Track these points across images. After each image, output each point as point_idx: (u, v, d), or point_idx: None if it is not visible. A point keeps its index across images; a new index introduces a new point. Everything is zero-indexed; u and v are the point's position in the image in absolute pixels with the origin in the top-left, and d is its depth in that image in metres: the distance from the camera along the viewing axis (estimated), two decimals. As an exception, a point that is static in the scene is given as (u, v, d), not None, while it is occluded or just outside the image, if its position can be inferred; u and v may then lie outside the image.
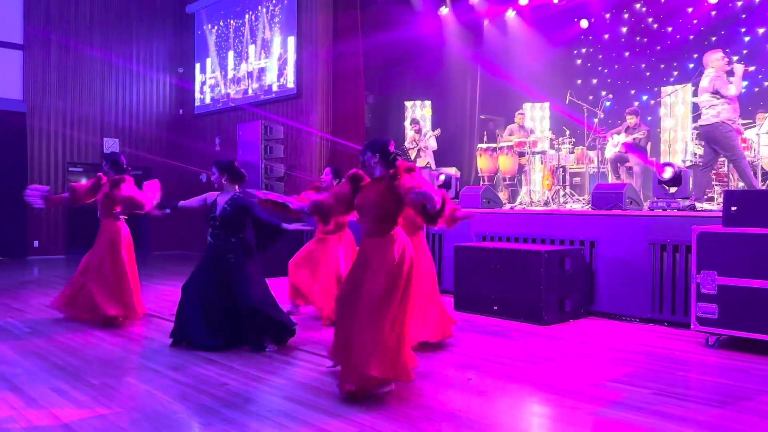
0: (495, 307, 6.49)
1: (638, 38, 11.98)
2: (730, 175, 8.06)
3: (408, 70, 13.22)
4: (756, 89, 10.64)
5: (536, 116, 12.19)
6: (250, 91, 13.78)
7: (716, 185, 8.15)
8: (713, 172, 8.36)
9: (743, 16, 10.69)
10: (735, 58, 10.67)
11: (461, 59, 12.97)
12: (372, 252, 3.98)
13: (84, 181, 14.59)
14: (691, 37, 11.18)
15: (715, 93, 7.05)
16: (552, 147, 10.63)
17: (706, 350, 5.15)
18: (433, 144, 11.57)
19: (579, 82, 12.51)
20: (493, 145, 11.15)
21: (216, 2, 14.80)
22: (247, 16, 13.96)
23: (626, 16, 12.09)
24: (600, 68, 12.52)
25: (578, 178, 10.31)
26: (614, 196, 7.09)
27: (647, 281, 6.32)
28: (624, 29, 12.14)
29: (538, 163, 10.76)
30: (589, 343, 5.45)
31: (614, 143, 9.47)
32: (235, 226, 5.25)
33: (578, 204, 9.18)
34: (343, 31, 11.88)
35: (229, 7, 14.48)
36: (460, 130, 13.09)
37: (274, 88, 13.09)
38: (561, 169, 9.87)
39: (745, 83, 10.62)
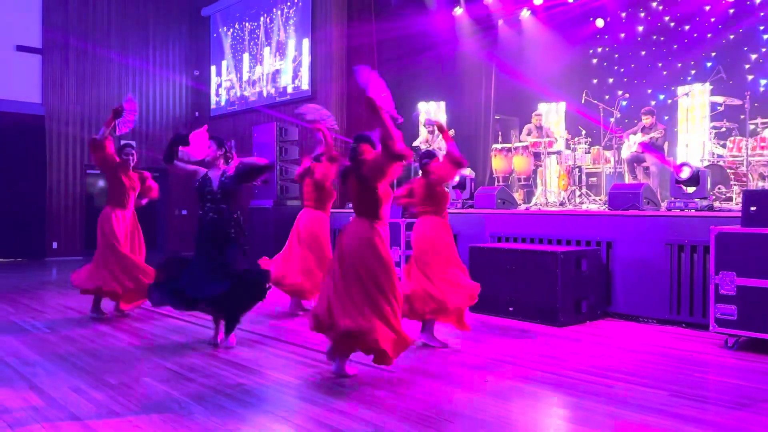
0: (510, 308, 6.46)
1: (655, 37, 11.87)
2: (749, 175, 7.97)
3: (422, 70, 13.20)
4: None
5: (551, 117, 12.11)
6: (264, 93, 13.85)
7: (735, 185, 8.06)
8: (732, 171, 8.28)
9: (761, 14, 10.54)
10: (753, 56, 10.56)
11: (475, 59, 12.93)
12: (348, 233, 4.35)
13: (102, 183, 14.75)
14: (709, 35, 11.06)
15: None
16: (568, 147, 10.56)
17: (724, 352, 5.09)
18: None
19: (595, 81, 12.43)
20: (508, 145, 11.11)
21: (231, 5, 14.90)
22: (262, 18, 14.04)
23: (643, 14, 11.99)
24: (616, 67, 12.42)
25: (594, 179, 10.24)
26: (631, 197, 7.03)
27: (665, 282, 6.26)
28: (640, 28, 12.03)
29: (554, 163, 10.70)
30: (606, 345, 5.42)
31: (631, 143, 9.40)
32: (235, 199, 5.26)
33: (595, 204, 9.12)
34: (357, 32, 11.91)
35: (244, 10, 14.57)
36: (474, 131, 13.04)
37: (289, 89, 13.15)
38: (577, 170, 9.81)
39: (764, 81, 10.51)
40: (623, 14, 12.08)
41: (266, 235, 10.17)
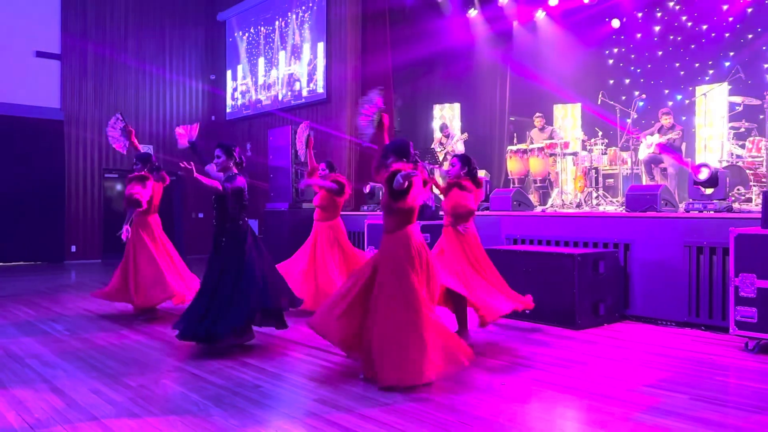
0: (527, 311, 6.43)
1: (672, 37, 11.77)
2: (769, 176, 7.88)
3: (437, 73, 13.21)
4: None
5: (567, 120, 12.05)
6: (280, 97, 13.92)
7: (754, 186, 7.96)
8: (751, 172, 8.18)
9: (781, 12, 10.43)
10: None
11: (490, 61, 12.91)
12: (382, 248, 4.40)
13: (119, 187, 14.91)
14: (727, 35, 10.95)
15: None
16: (584, 148, 10.51)
17: (745, 355, 5.03)
18: (460, 147, 11.54)
19: (611, 82, 12.35)
20: (524, 147, 11.07)
21: (247, 10, 15.00)
22: (277, 22, 14.11)
23: (659, 14, 11.89)
24: (632, 68, 12.33)
25: (611, 180, 10.17)
26: (649, 198, 6.97)
27: (683, 284, 6.20)
28: (657, 28, 11.94)
29: (570, 165, 10.64)
30: (625, 348, 5.37)
31: (648, 144, 9.32)
32: (226, 208, 5.23)
33: (612, 206, 9.06)
34: (371, 36, 11.94)
35: (259, 14, 14.66)
36: (489, 132, 13.02)
37: (304, 93, 13.21)
38: (593, 171, 9.75)
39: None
40: (639, 14, 11.99)
41: (281, 238, 10.22)
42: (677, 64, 11.65)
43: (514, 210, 8.18)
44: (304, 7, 13.29)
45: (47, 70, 13.74)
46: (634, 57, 12.29)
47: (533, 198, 9.99)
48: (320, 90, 12.75)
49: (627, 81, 12.36)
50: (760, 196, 5.66)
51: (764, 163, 7.91)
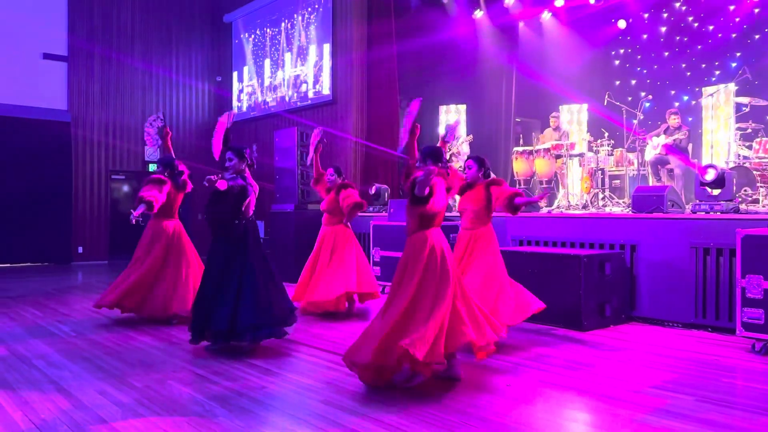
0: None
1: (678, 38, 11.73)
2: (777, 177, 7.84)
3: (442, 74, 13.20)
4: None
5: (573, 119, 12.02)
6: (286, 98, 13.95)
7: (761, 187, 7.92)
8: (758, 173, 8.14)
9: (789, 12, 10.38)
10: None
11: (496, 62, 12.89)
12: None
13: (126, 189, 14.96)
14: (734, 35, 10.90)
15: None
16: (590, 149, 10.48)
17: (752, 356, 5.01)
18: (465, 149, 11.54)
19: (617, 83, 12.31)
20: (530, 148, 11.05)
21: (253, 11, 15.04)
22: (283, 24, 14.14)
23: (665, 15, 11.86)
24: (639, 69, 12.29)
25: (618, 181, 10.13)
26: (655, 199, 6.95)
27: (690, 286, 6.18)
28: (663, 29, 11.90)
29: (576, 166, 10.61)
30: (631, 349, 5.35)
31: (654, 145, 9.29)
32: (229, 210, 5.26)
33: (618, 207, 9.03)
34: (377, 37, 11.94)
35: (265, 16, 14.69)
36: (495, 133, 13.00)
37: (310, 95, 13.23)
38: (600, 172, 9.73)
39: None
40: (645, 15, 11.96)
41: (287, 239, 10.23)
42: (683, 65, 11.61)
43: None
44: (309, 9, 13.31)
45: (54, 72, 13.81)
46: (641, 58, 12.25)
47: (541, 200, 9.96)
48: (326, 92, 12.77)
49: (633, 82, 12.33)
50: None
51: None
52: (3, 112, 13.09)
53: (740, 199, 7.39)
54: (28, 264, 13.30)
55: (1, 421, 3.58)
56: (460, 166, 11.16)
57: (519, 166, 11.01)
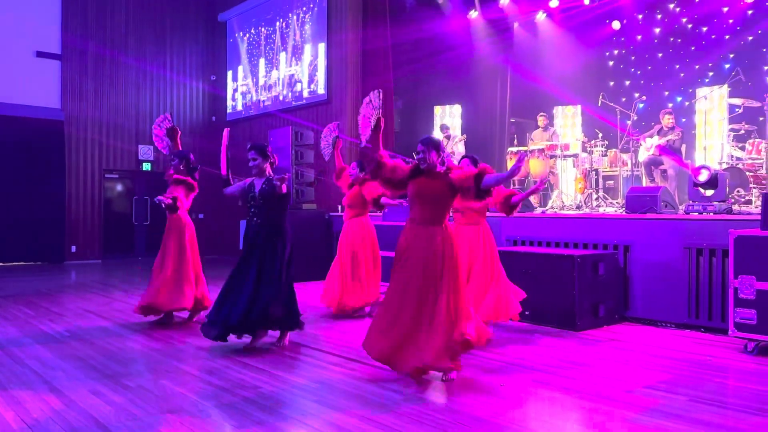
0: (527, 312, 6.42)
1: (672, 39, 11.78)
2: (769, 178, 7.88)
3: (437, 74, 13.21)
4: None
5: (567, 120, 12.05)
6: (281, 98, 13.93)
7: (754, 188, 7.96)
8: (751, 174, 8.18)
9: (781, 14, 10.43)
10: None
11: (491, 63, 12.91)
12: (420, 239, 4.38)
13: (120, 188, 14.92)
14: (727, 37, 10.95)
15: None
16: (584, 150, 10.51)
17: (744, 357, 5.03)
18: (460, 149, 11.55)
19: (611, 84, 12.35)
20: (524, 148, 11.07)
21: (247, 10, 15.01)
22: (277, 23, 14.12)
23: (659, 16, 11.90)
24: (633, 70, 12.34)
25: (611, 182, 10.17)
26: (649, 200, 6.97)
27: (683, 286, 6.20)
28: (657, 30, 11.95)
29: (570, 166, 10.64)
30: (624, 349, 5.37)
31: (647, 146, 9.32)
32: (273, 205, 5.29)
33: (612, 208, 9.05)
34: (372, 36, 11.94)
35: (260, 15, 14.67)
36: (489, 134, 13.02)
37: (305, 94, 13.21)
38: (594, 173, 9.75)
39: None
40: (640, 16, 12.00)
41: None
42: (677, 66, 11.66)
43: (514, 211, 8.16)
44: (304, 8, 13.30)
45: (47, 70, 13.75)
46: (635, 59, 12.30)
47: (533, 199, 9.98)
48: (321, 91, 12.76)
49: (627, 83, 12.37)
50: (760, 198, 5.67)
51: (764, 165, 7.91)
52: (-4, 110, 13.04)
53: (733, 200, 7.42)
54: (21, 263, 13.24)
55: (-7, 421, 3.57)
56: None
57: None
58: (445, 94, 13.25)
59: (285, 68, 13.86)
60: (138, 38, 14.91)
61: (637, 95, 11.66)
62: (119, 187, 14.96)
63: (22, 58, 13.40)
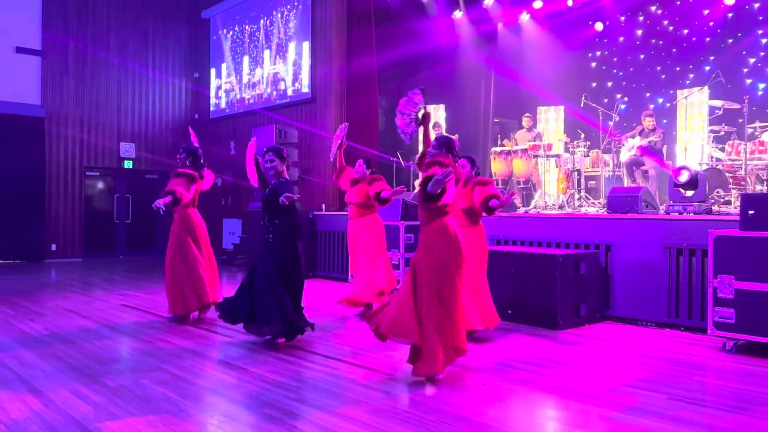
0: (509, 311, 6.46)
1: (653, 41, 11.90)
2: (748, 179, 7.99)
3: (422, 73, 13.21)
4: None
5: (551, 122, 12.13)
6: (264, 96, 13.86)
7: (733, 188, 8.07)
8: (730, 175, 8.29)
9: (760, 18, 10.58)
10: (752, 60, 10.59)
11: (475, 63, 12.96)
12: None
13: (101, 185, 14.77)
14: (708, 39, 11.09)
15: None
16: (567, 150, 10.59)
17: (723, 355, 5.10)
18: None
19: (594, 85, 12.45)
20: (507, 148, 11.13)
21: (231, 7, 14.93)
22: (262, 21, 14.06)
23: (641, 18, 12.02)
24: (615, 71, 12.45)
25: (593, 182, 10.25)
26: (630, 200, 7.04)
27: (663, 285, 6.27)
28: (639, 32, 12.07)
29: (553, 166, 10.72)
30: (605, 348, 5.42)
31: (629, 147, 9.41)
32: (275, 208, 5.31)
33: (593, 208, 9.13)
34: (356, 35, 11.93)
35: (244, 13, 14.59)
36: (473, 133, 13.07)
37: (289, 92, 13.17)
38: (576, 173, 9.83)
39: (762, 85, 10.54)
40: (622, 18, 12.11)
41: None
42: (659, 68, 11.78)
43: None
44: (289, 6, 13.25)
45: (28, 67, 13.57)
46: (617, 60, 12.41)
47: (516, 199, 10.04)
48: (305, 89, 12.72)
49: (609, 84, 12.48)
50: (739, 199, 5.74)
51: (743, 166, 8.02)
52: (-26, 106, 12.84)
53: (713, 201, 7.52)
54: (0, 261, 13.05)
55: (-31, 422, 3.51)
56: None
57: (497, 167, 11.08)
58: (429, 93, 13.22)
59: (269, 66, 13.80)
60: (120, 35, 14.76)
61: (619, 96, 11.77)
62: (100, 185, 14.81)
63: (1, 54, 13.20)
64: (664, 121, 10.66)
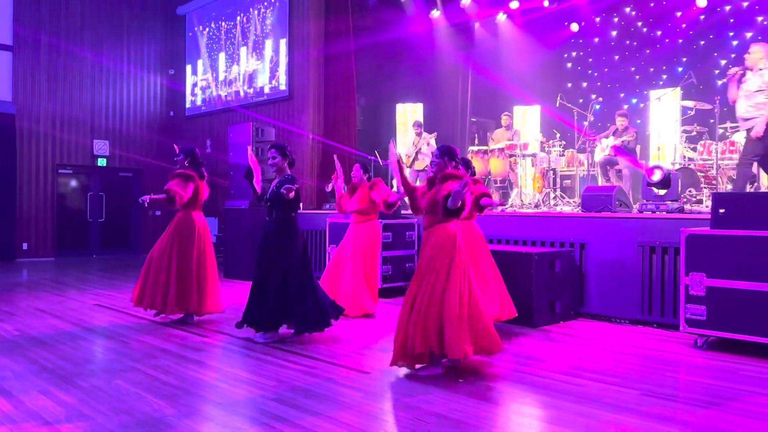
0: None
1: (628, 42, 12.06)
2: (719, 178, 8.13)
3: (400, 72, 13.24)
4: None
5: (527, 120, 12.22)
6: (241, 93, 13.76)
7: (705, 188, 8.21)
8: (702, 175, 8.43)
9: (731, 20, 10.78)
10: (723, 62, 10.78)
11: (452, 62, 13.01)
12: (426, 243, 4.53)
13: (74, 183, 14.54)
14: (680, 41, 11.27)
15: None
16: (543, 150, 10.67)
17: (694, 351, 5.18)
18: (433, 144, 11.50)
19: (569, 85, 12.58)
20: (485, 147, 11.18)
21: (207, 4, 14.79)
22: (238, 18, 13.95)
23: (616, 19, 12.17)
24: (590, 71, 12.59)
25: (569, 181, 10.35)
26: (604, 199, 7.12)
27: (636, 283, 6.36)
28: (614, 33, 12.22)
29: (529, 165, 10.79)
30: (579, 345, 5.48)
31: (603, 146, 9.52)
32: (282, 205, 5.38)
33: (568, 206, 9.22)
34: (334, 33, 11.89)
35: (220, 9, 14.46)
36: (451, 132, 13.12)
37: (266, 90, 13.09)
38: (551, 172, 9.91)
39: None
40: (597, 19, 12.24)
41: (241, 236, 10.09)
42: (633, 69, 11.95)
43: (474, 209, 8.23)
44: (266, 3, 13.16)
45: (-2, 62, 13.31)
46: (592, 61, 12.55)
47: (494, 198, 10.09)
48: (282, 87, 12.66)
49: (584, 84, 12.61)
50: (711, 198, 5.83)
51: (714, 166, 8.16)
52: (-58, 102, 12.56)
53: (685, 200, 7.64)
54: (-31, 260, 12.79)
55: (-64, 424, 3.44)
56: (425, 167, 11.23)
57: (474, 166, 11.11)
58: (407, 92, 13.30)
59: (245, 63, 13.70)
60: (94, 30, 14.53)
61: (593, 96, 11.90)
62: (73, 183, 14.58)
63: (-30, 49, 12.94)
64: (638, 121, 10.80)
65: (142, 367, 4.65)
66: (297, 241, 5.48)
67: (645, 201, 7.08)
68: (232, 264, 10.24)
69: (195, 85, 15.27)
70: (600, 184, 9.43)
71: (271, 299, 5.33)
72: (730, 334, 5.05)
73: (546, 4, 11.61)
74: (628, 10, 11.98)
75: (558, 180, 9.95)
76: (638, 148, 9.61)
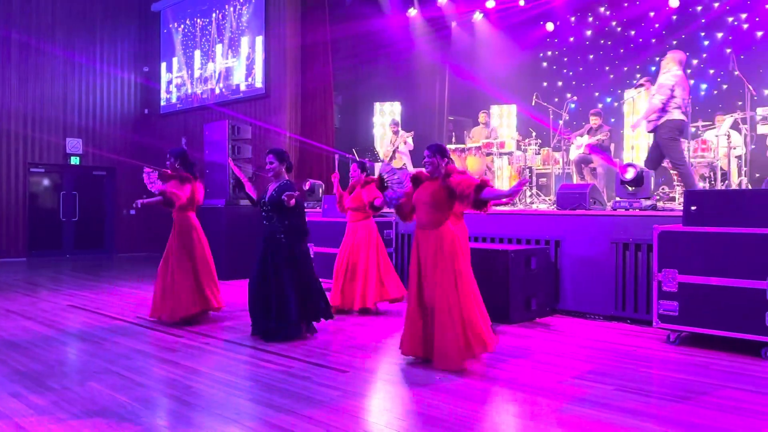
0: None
1: (602, 41, 12.19)
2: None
3: (377, 71, 13.24)
4: (715, 92, 10.92)
5: (503, 119, 12.30)
6: (217, 91, 13.65)
7: (677, 185, 8.33)
8: (675, 173, 8.55)
9: (702, 20, 10.96)
10: (695, 62, 10.95)
11: (430, 61, 13.04)
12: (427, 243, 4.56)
13: (46, 182, 14.30)
14: (653, 40, 11.42)
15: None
16: (519, 148, 10.75)
17: (667, 347, 5.26)
18: (411, 143, 11.52)
19: (545, 84, 12.68)
20: (462, 146, 11.23)
21: (182, 1, 14.63)
22: (214, 14, 13.83)
23: (591, 19, 12.29)
24: (565, 71, 12.70)
25: (544, 179, 10.44)
26: (578, 197, 7.19)
27: (610, 280, 6.44)
28: (589, 32, 12.34)
29: (506, 164, 10.86)
30: (555, 341, 5.53)
31: (577, 145, 9.62)
32: (282, 210, 5.38)
33: (544, 204, 9.30)
34: (311, 31, 11.85)
35: (195, 6, 14.32)
36: (428, 131, 13.15)
37: (242, 87, 12.99)
38: (527, 170, 9.99)
39: (704, 86, 10.92)
40: (572, 18, 12.36)
41: (218, 235, 9.99)
42: (607, 68, 12.08)
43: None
44: (242, 0, 13.07)
45: (-34, 59, 13.03)
46: (567, 60, 12.66)
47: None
48: (259, 84, 12.58)
49: (560, 83, 12.72)
50: (683, 196, 5.92)
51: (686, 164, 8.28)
52: None
53: (658, 197, 7.75)
54: (-63, 261, 12.51)
55: None
56: (404, 164, 11.25)
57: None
58: (384, 90, 13.30)
59: (221, 61, 13.59)
60: (66, 27, 14.29)
61: (569, 95, 12.01)
62: (46, 182, 14.33)
63: (-63, 45, 12.65)
64: (612, 120, 10.92)
65: (116, 368, 4.59)
66: (305, 246, 5.59)
67: (619, 199, 7.17)
68: (208, 263, 10.12)
69: (170, 82, 15.10)
70: (575, 182, 9.52)
71: (293, 313, 5.37)
72: (701, 329, 5.13)
73: (522, 3, 11.68)
74: (602, 9, 12.11)
75: (534, 178, 10.03)
76: (612, 147, 9.73)
